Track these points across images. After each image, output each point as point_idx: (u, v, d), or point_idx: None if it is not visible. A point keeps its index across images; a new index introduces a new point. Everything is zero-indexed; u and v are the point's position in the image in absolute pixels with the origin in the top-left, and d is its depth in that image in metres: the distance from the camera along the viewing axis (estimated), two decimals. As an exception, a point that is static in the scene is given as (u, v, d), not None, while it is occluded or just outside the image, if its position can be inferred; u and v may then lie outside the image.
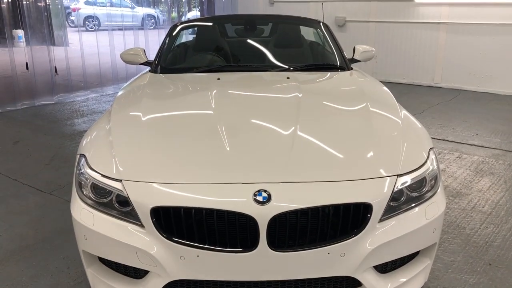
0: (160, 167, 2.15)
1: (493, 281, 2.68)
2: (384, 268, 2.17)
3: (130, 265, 2.09)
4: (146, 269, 2.06)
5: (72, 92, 7.82)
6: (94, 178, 2.17)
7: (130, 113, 2.78)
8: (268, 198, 1.93)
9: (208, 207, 1.94)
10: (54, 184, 4.09)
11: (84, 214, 2.15)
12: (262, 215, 1.90)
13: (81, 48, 8.41)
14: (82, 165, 2.28)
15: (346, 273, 2.03)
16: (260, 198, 1.93)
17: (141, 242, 2.02)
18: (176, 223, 1.98)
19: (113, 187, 2.10)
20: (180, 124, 2.59)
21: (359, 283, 2.11)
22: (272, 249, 1.92)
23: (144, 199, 2.01)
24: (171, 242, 1.98)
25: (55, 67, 7.73)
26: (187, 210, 1.95)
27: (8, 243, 3.12)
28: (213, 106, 2.72)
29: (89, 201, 2.18)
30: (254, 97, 3.08)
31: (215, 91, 2.97)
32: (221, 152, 2.20)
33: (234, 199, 1.95)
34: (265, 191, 1.95)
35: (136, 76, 3.77)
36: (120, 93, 3.22)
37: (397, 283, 2.15)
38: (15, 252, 3.00)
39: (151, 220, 1.98)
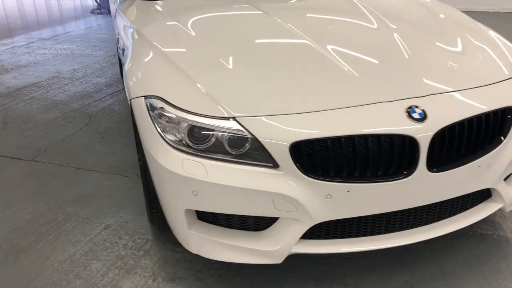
0: (280, 97, 1.79)
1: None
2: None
3: (260, 215, 1.77)
4: (280, 216, 1.75)
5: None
6: (194, 121, 1.76)
7: (191, 43, 2.27)
8: (424, 114, 1.70)
9: (360, 133, 1.66)
10: (30, 149, 3.42)
11: (190, 166, 1.75)
12: (423, 134, 1.67)
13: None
14: (162, 108, 1.83)
15: (490, 185, 1.91)
16: (415, 115, 1.69)
17: (278, 185, 1.69)
18: (321, 157, 1.68)
19: (224, 127, 1.72)
20: (265, 51, 2.16)
21: (489, 195, 2.02)
22: (430, 171, 1.72)
23: (279, 135, 1.66)
24: (316, 180, 1.68)
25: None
26: (331, 141, 1.65)
27: (22, 224, 2.54)
28: (296, 29, 2.31)
29: (189, 150, 1.77)
30: (331, 21, 2.56)
31: (276, 16, 2.52)
32: (345, 74, 1.90)
33: (388, 120, 1.69)
34: (416, 107, 1.71)
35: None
36: (138, 28, 2.64)
37: None
38: (36, 241, 2.46)
39: (291, 158, 1.66)
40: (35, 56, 6.19)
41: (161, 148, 1.82)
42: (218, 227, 1.90)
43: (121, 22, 3.02)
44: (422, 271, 2.05)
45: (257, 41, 2.25)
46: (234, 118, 1.72)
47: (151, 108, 1.88)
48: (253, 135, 1.68)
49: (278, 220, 1.80)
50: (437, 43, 2.21)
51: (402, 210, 1.82)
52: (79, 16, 9.76)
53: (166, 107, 1.83)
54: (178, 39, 2.31)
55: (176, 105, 1.81)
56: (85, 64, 5.72)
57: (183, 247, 1.94)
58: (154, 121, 1.85)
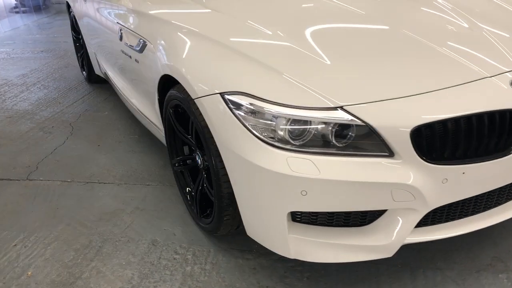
0: (384, 82, 1.68)
1: None
2: None
3: (374, 208, 1.66)
4: (395, 207, 1.65)
5: None
6: (296, 115, 1.60)
7: (257, 32, 2.04)
8: (529, 86, 1.67)
9: (480, 111, 1.60)
10: (18, 167, 3.01)
11: (296, 164, 1.59)
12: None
13: None
14: (252, 104, 1.65)
15: None
16: (522, 88, 1.66)
17: (397, 175, 1.59)
18: (439, 140, 1.60)
19: (331, 118, 1.58)
20: (347, 37, 2.01)
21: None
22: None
23: (398, 120, 1.56)
24: (435, 165, 1.60)
25: None
26: (450, 122, 1.57)
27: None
28: (373, 15, 2.17)
29: (291, 147, 1.61)
30: (410, 8, 2.43)
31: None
32: (442, 55, 1.82)
33: (499, 96, 1.64)
34: None
35: None
36: (174, 20, 2.34)
37: None
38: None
39: (411, 145, 1.56)
40: (-32, 64, 5.51)
41: (257, 148, 1.64)
42: (318, 227, 1.76)
43: (127, 15, 2.71)
44: (509, 244, 2.05)
45: (332, 26, 2.11)
46: (341, 108, 1.58)
47: (235, 106, 1.69)
48: (367, 123, 1.55)
49: (387, 211, 1.69)
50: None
51: (501, 186, 1.79)
52: (1, 15, 8.86)
53: (257, 102, 1.65)
54: (237, 29, 2.10)
55: (269, 99, 1.64)
56: (33, 68, 5.18)
57: (254, 254, 1.84)
58: (243, 120, 1.66)
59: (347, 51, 1.86)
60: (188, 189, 2.36)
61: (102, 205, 2.54)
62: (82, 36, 4.13)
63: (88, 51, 4.04)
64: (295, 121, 1.61)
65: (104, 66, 3.53)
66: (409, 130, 1.54)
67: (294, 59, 1.80)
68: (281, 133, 1.62)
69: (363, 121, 1.55)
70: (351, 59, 1.80)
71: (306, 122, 1.61)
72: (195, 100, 1.86)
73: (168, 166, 2.86)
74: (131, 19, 2.61)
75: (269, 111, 1.63)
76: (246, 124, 1.66)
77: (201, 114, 1.88)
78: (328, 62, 1.76)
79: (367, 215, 1.72)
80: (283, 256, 1.91)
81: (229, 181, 1.84)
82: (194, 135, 2.10)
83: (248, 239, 1.91)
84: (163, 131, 2.48)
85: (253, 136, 1.65)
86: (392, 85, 1.65)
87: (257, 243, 1.88)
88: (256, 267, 2.02)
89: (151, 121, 2.63)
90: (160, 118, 2.45)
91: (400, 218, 1.68)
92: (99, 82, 4.34)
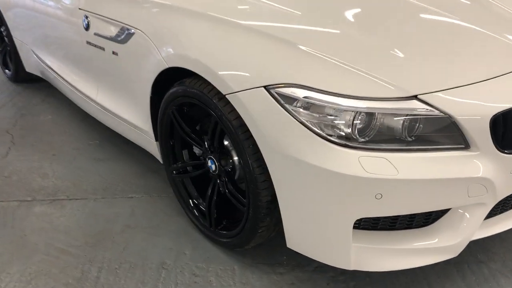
0: (455, 67, 1.55)
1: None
2: None
3: (447, 207, 1.52)
4: (465, 204, 1.53)
5: None
6: (365, 107, 1.40)
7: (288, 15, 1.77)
8: None
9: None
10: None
11: (370, 164, 1.39)
12: None
13: None
14: (309, 98, 1.42)
15: None
16: None
17: (474, 168, 1.46)
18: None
19: (405, 109, 1.41)
20: (403, 23, 1.83)
21: None
22: None
23: (478, 109, 1.43)
24: (507, 155, 1.50)
25: None
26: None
27: None
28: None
29: (360, 144, 1.42)
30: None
31: None
32: (499, 40, 1.72)
33: None
34: None
35: None
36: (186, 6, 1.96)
37: None
38: None
39: (489, 134, 1.44)
40: None
41: (320, 149, 1.42)
42: (380, 232, 1.58)
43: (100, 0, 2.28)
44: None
45: (389, 14, 1.88)
46: (416, 97, 1.41)
47: (287, 100, 1.44)
48: (446, 113, 1.40)
49: (452, 209, 1.56)
50: None
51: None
52: None
53: (316, 95, 1.43)
54: (274, 14, 1.80)
55: (331, 90, 1.42)
56: None
57: (285, 267, 1.75)
58: (299, 116, 1.43)
59: (409, 38, 1.69)
60: (194, 201, 2.05)
61: (82, 226, 2.13)
62: (6, 29, 3.53)
63: (17, 45, 3.46)
64: (363, 114, 1.41)
65: (48, 61, 3.02)
66: (489, 118, 1.41)
67: (353, 47, 1.59)
68: (347, 129, 1.42)
69: (441, 111, 1.40)
70: (415, 47, 1.63)
71: (373, 115, 1.41)
72: (226, 96, 1.58)
73: (147, 174, 2.51)
74: (106, 5, 2.20)
75: (331, 104, 1.41)
76: (305, 121, 1.43)
77: (231, 112, 1.60)
78: (392, 50, 1.58)
79: (432, 214, 1.57)
80: (319, 267, 1.76)
81: (269, 188, 1.60)
82: (213, 137, 1.80)
83: (272, 250, 1.75)
84: (154, 135, 2.14)
85: (314, 135, 1.43)
86: (462, 71, 1.52)
87: (285, 254, 1.73)
88: (294, 281, 1.79)
89: (133, 125, 2.26)
90: (149, 121, 2.10)
91: (467, 214, 1.55)
92: (27, 82, 3.77)
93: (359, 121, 1.41)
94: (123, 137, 2.51)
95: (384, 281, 1.78)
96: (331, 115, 1.42)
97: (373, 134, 1.43)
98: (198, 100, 1.73)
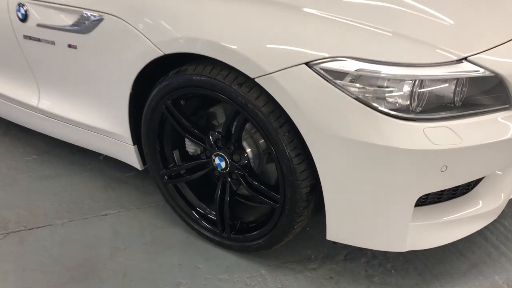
0: (487, 26, 1.50)
1: None
2: None
3: (499, 169, 1.50)
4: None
5: None
6: (420, 75, 1.31)
7: None
8: None
9: None
10: None
11: (435, 135, 1.31)
12: None
13: None
14: (362, 70, 1.29)
15: None
16: None
17: (519, 127, 1.44)
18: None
19: (458, 72, 1.34)
20: None
21: None
22: None
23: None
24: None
25: None
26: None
27: None
28: None
29: (422, 115, 1.33)
30: None
31: None
32: None
33: None
34: None
35: None
36: None
37: None
38: None
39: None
40: None
41: (381, 125, 1.29)
42: (428, 206, 1.51)
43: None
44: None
45: None
46: (466, 59, 1.34)
47: (335, 76, 1.29)
48: (497, 73, 1.35)
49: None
50: None
51: None
52: None
53: (369, 66, 1.29)
54: None
55: (384, 60, 1.29)
56: None
57: (316, 261, 1.69)
58: (352, 91, 1.29)
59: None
60: (198, 210, 1.81)
61: (59, 258, 1.77)
62: None
63: None
64: (418, 82, 1.30)
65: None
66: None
67: (395, 14, 1.46)
68: (405, 101, 1.30)
69: (491, 71, 1.34)
70: (456, 10, 1.54)
71: (423, 82, 1.32)
72: (256, 80, 1.37)
73: (113, 186, 2.18)
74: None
75: (388, 75, 1.28)
76: (361, 97, 1.29)
77: (259, 97, 1.40)
78: (431, 11, 1.47)
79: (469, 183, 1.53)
80: (349, 253, 1.72)
81: (308, 177, 1.44)
82: (228, 130, 1.57)
83: (291, 246, 1.70)
84: (130, 139, 1.84)
85: (374, 111, 1.29)
86: (503, 29, 1.48)
87: (307, 248, 1.70)
88: (331, 275, 1.66)
89: (99, 130, 1.92)
90: (127, 122, 1.79)
91: (505, 176, 1.54)
92: None
93: (418, 90, 1.30)
94: (66, 147, 2.14)
95: (422, 259, 1.72)
96: (387, 87, 1.30)
97: (423, 103, 1.34)
98: (210, 89, 1.49)
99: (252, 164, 1.63)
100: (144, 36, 1.56)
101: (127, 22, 1.60)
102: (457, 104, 1.36)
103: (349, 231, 1.49)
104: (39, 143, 2.47)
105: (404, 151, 1.28)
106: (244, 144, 1.63)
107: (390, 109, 1.29)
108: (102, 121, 1.90)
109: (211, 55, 1.43)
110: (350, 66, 1.29)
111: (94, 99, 1.88)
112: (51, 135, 2.24)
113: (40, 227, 1.93)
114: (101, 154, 2.28)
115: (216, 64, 1.46)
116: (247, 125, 1.57)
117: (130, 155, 1.91)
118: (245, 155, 1.61)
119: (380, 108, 1.29)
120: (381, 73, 1.28)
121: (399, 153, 1.28)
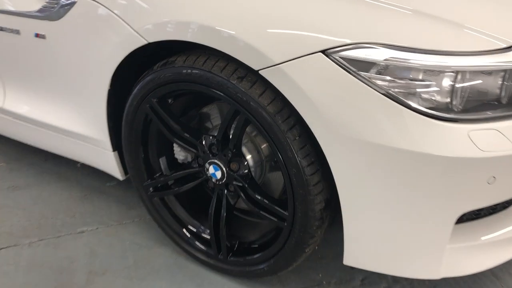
0: None
1: None
2: None
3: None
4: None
5: None
6: (464, 66, 1.06)
7: None
8: None
9: None
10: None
11: (481, 139, 1.06)
12: None
13: None
14: (393, 59, 1.04)
15: None
16: None
17: None
18: None
19: (506, 61, 1.10)
20: None
21: None
22: None
23: None
24: None
25: None
26: None
27: None
28: None
29: (465, 116, 1.08)
30: None
31: None
32: None
33: None
34: None
35: None
36: None
37: None
38: None
39: None
40: None
41: (417, 127, 1.05)
42: (465, 224, 1.26)
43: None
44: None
45: None
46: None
47: (359, 67, 1.04)
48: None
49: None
50: None
51: None
52: None
53: (401, 55, 1.04)
54: None
55: (419, 47, 1.05)
56: None
57: (329, 286, 1.42)
58: (380, 86, 1.04)
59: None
60: (190, 228, 1.55)
61: (24, 287, 1.49)
62: None
63: None
64: (461, 75, 1.06)
65: None
66: None
67: None
68: (445, 98, 1.06)
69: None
70: None
71: (465, 75, 1.08)
72: (260, 72, 1.12)
73: (92, 197, 1.91)
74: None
75: (423, 65, 1.04)
76: (392, 93, 1.04)
77: (263, 94, 1.15)
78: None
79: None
80: (366, 278, 1.49)
81: (323, 191, 1.19)
82: (226, 134, 1.32)
83: (297, 270, 1.47)
84: (110, 144, 1.58)
85: (407, 110, 1.05)
86: None
87: (316, 271, 1.47)
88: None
89: (73, 134, 1.66)
90: (105, 125, 1.53)
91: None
92: None
93: (459, 85, 1.06)
94: (39, 153, 1.88)
95: (447, 281, 1.48)
96: (422, 81, 1.05)
97: (464, 100, 1.10)
98: (203, 85, 1.23)
99: (253, 174, 1.38)
100: (123, 21, 1.30)
101: (103, 5, 1.34)
102: (503, 102, 1.12)
103: (372, 256, 1.25)
104: (8, 149, 2.20)
105: (445, 160, 1.04)
106: (244, 150, 1.37)
107: (426, 108, 1.05)
108: (77, 123, 1.64)
109: (204, 42, 1.18)
110: (377, 54, 1.04)
111: (67, 98, 1.61)
112: (20, 140, 1.96)
113: (3, 248, 1.65)
114: (78, 162, 2.02)
115: (211, 54, 1.21)
116: (247, 128, 1.33)
117: (109, 163, 1.65)
118: (245, 163, 1.35)
119: (413, 105, 1.04)
120: (416, 63, 1.04)
121: (438, 161, 1.04)
